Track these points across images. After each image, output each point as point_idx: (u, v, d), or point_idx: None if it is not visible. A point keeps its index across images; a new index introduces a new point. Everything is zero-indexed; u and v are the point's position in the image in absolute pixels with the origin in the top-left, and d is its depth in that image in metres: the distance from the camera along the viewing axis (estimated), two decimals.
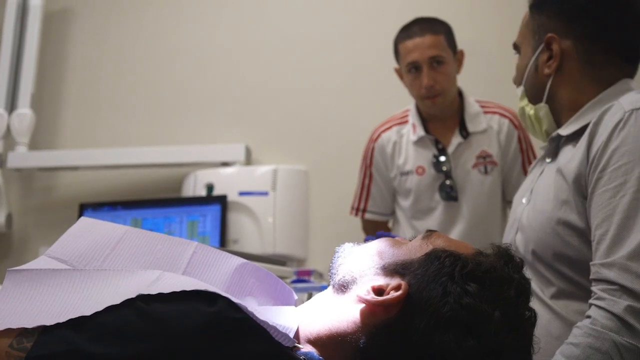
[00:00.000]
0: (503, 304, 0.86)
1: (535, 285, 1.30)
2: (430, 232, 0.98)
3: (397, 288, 0.88)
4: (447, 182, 2.27)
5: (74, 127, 3.23)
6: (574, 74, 1.36)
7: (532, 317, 0.90)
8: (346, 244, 1.02)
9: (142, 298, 0.76)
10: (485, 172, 2.29)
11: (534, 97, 1.43)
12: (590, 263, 1.17)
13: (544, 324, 1.26)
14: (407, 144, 2.37)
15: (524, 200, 1.43)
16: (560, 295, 1.28)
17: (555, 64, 1.37)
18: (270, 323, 0.81)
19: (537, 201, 1.36)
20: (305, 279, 2.45)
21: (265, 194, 2.82)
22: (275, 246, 2.76)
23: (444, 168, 2.27)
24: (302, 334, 0.92)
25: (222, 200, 2.75)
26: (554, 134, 1.40)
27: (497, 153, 2.31)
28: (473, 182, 2.29)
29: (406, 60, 2.27)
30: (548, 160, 1.41)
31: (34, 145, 3.09)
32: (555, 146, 1.40)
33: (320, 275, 2.58)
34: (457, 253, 0.90)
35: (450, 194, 2.26)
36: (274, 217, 2.80)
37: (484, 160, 2.30)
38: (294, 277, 2.49)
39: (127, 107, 3.21)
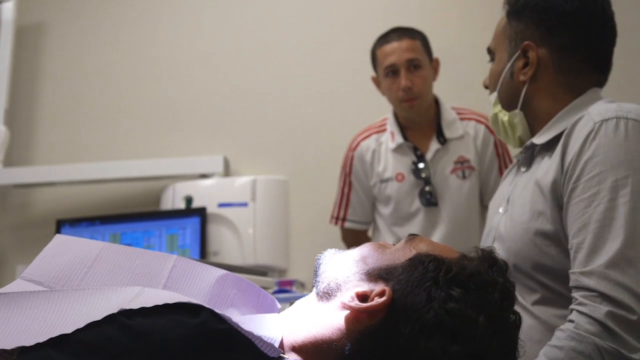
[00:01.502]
0: (488, 308, 0.86)
1: (516, 293, 1.30)
2: (413, 236, 0.97)
3: (381, 294, 0.87)
4: (427, 188, 2.29)
5: (50, 142, 3.19)
6: (548, 82, 1.37)
7: (517, 320, 0.90)
8: (328, 250, 1.02)
9: (124, 313, 0.74)
10: (464, 177, 2.32)
11: (508, 103, 1.44)
12: (570, 271, 1.18)
13: (525, 329, 1.26)
14: (386, 152, 2.38)
15: (500, 210, 1.43)
16: (540, 302, 1.29)
17: (531, 71, 1.38)
18: (255, 334, 0.80)
19: (514, 211, 1.36)
20: (287, 289, 2.44)
21: (244, 204, 2.80)
22: (256, 257, 2.75)
23: (423, 174, 2.29)
24: (286, 342, 0.91)
25: (201, 213, 2.73)
26: (528, 142, 1.40)
27: (474, 158, 2.33)
28: (451, 187, 2.31)
29: (384, 64, 2.29)
30: (523, 169, 1.41)
31: (8, 161, 3.05)
32: (529, 155, 1.41)
33: (302, 285, 2.57)
34: (441, 257, 0.90)
35: (430, 199, 2.28)
36: (254, 227, 2.78)
37: (462, 165, 2.32)
38: (276, 288, 2.47)
39: (104, 121, 3.18)
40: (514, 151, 1.53)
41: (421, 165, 2.30)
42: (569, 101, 1.36)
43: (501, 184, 1.56)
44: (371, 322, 0.86)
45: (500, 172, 2.33)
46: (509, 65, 1.41)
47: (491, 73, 1.49)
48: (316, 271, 0.99)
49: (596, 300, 1.11)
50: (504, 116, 1.45)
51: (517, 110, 1.42)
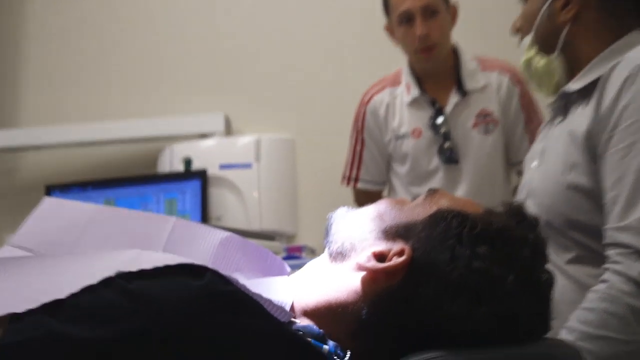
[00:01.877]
0: (517, 266, 0.85)
1: (548, 251, 1.30)
2: (433, 191, 0.96)
3: (400, 253, 0.87)
4: (446, 144, 2.28)
5: (35, 103, 3.19)
6: (592, 23, 1.35)
7: (549, 279, 0.89)
8: (340, 208, 1.01)
9: (122, 276, 0.74)
10: (486, 131, 2.30)
11: (546, 46, 1.42)
12: (604, 227, 1.18)
13: (558, 289, 1.26)
14: (401, 106, 2.37)
15: (534, 163, 1.43)
16: (575, 261, 1.29)
17: (573, 10, 1.36)
18: (264, 296, 0.80)
19: (546, 165, 1.36)
20: (296, 256, 2.45)
21: (248, 166, 2.80)
22: (262, 222, 2.75)
23: (442, 129, 2.28)
24: (297, 307, 0.91)
25: (201, 175, 2.73)
26: (562, 90, 1.39)
27: (498, 111, 2.32)
28: (473, 143, 2.30)
29: (398, 11, 2.26)
30: (558, 119, 1.40)
31: None
32: (564, 104, 1.39)
33: (312, 251, 2.58)
34: (464, 212, 0.89)
35: (450, 156, 2.27)
36: (258, 190, 2.79)
37: (484, 119, 2.31)
38: (284, 254, 2.49)
39: (94, 79, 3.17)
40: (543, 104, 1.51)
41: (440, 119, 2.29)
42: (610, 44, 1.33)
43: (537, 136, 1.54)
44: (389, 284, 0.86)
45: (526, 126, 2.32)
46: (546, 4, 1.39)
47: (525, 14, 1.46)
48: (327, 231, 0.98)
49: (631, 257, 1.11)
50: (540, 61, 1.43)
51: (556, 54, 1.40)
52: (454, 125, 2.30)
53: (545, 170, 1.35)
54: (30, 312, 0.71)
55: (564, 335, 1.16)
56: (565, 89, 1.37)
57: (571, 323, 1.17)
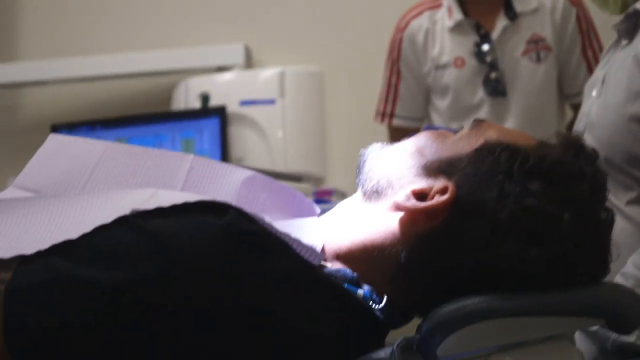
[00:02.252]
0: (574, 203, 0.84)
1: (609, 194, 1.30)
2: (479, 122, 0.95)
3: (442, 191, 0.86)
4: (493, 74, 2.26)
5: (38, 34, 3.19)
6: None
7: (609, 218, 0.88)
8: (373, 144, 1.00)
9: (137, 215, 0.74)
10: (538, 59, 2.28)
11: None
12: None
13: (617, 232, 1.26)
14: (442, 32, 2.35)
15: (594, 93, 1.41)
16: (636, 201, 1.28)
17: None
18: (292, 236, 0.80)
19: (607, 94, 1.34)
20: (326, 200, 2.46)
21: (271, 102, 2.79)
22: (287, 164, 2.75)
23: (488, 58, 2.26)
24: (329, 250, 0.91)
25: (220, 113, 2.73)
26: (631, 8, 1.36)
27: (552, 36, 2.29)
28: (523, 73, 2.27)
29: None
30: (624, 43, 1.37)
31: None
32: (633, 25, 1.36)
33: (343, 195, 2.58)
34: (514, 145, 0.88)
35: (496, 88, 2.26)
36: (283, 129, 2.78)
37: (536, 45, 2.28)
38: (313, 198, 2.49)
39: (102, 6, 3.15)
40: (612, 22, 1.47)
41: (485, 46, 2.26)
42: None
43: (600, 62, 1.51)
44: (431, 224, 0.86)
45: (584, 53, 2.29)
46: None
47: None
48: (360, 168, 0.98)
49: None
50: None
51: None
52: (501, 53, 2.27)
53: (606, 100, 1.33)
54: (39, 254, 0.72)
55: (619, 280, 1.16)
56: (637, 6, 1.34)
57: (627, 268, 1.17)
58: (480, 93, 2.29)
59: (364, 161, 0.98)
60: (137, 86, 3.07)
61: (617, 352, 1.10)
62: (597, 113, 1.35)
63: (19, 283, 0.70)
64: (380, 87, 2.49)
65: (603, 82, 1.38)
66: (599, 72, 1.46)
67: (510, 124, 2.25)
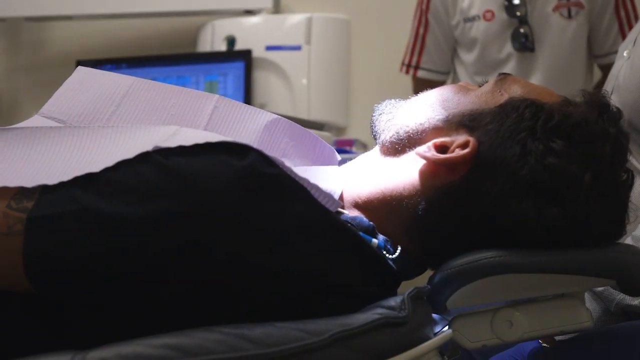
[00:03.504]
0: (595, 164, 0.84)
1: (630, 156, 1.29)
2: (504, 76, 0.94)
3: (464, 145, 0.86)
4: (522, 29, 2.22)
5: None
6: None
7: (629, 179, 0.88)
8: (388, 100, 0.99)
9: (159, 152, 0.75)
10: (569, 16, 2.25)
11: None
12: None
13: (637, 195, 1.26)
14: None
15: (625, 54, 1.39)
16: None
17: None
18: (311, 181, 0.80)
19: (636, 56, 1.31)
20: (347, 150, 2.46)
21: (297, 48, 2.78)
22: (310, 112, 2.75)
23: (518, 12, 2.22)
24: (347, 198, 0.92)
25: (245, 56, 2.73)
26: None
27: None
28: (553, 29, 2.24)
29: None
30: None
31: None
32: None
33: (364, 146, 2.58)
34: (539, 102, 0.87)
35: (525, 43, 2.23)
36: (308, 76, 2.77)
37: (568, 1, 2.24)
38: (334, 147, 2.49)
39: None
40: None
41: (516, 0, 2.22)
42: None
43: (636, 25, 1.49)
44: (451, 178, 0.86)
45: (617, 12, 2.25)
46: None
47: None
48: (375, 122, 0.97)
49: None
50: None
51: None
52: (532, 7, 2.24)
53: (634, 62, 1.30)
54: (62, 185, 0.73)
55: (629, 242, 1.16)
56: None
57: (638, 232, 1.16)
58: (508, 48, 2.26)
59: (380, 114, 0.97)
60: (163, 26, 3.06)
61: (620, 314, 1.10)
62: (625, 74, 1.33)
63: (40, 212, 0.70)
64: (408, 38, 2.47)
65: (635, 43, 1.36)
66: (633, 33, 1.43)
67: (536, 80, 2.22)
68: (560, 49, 2.24)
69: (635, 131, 1.28)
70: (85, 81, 0.98)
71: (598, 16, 2.27)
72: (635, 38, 1.37)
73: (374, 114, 0.98)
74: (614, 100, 1.34)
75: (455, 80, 2.42)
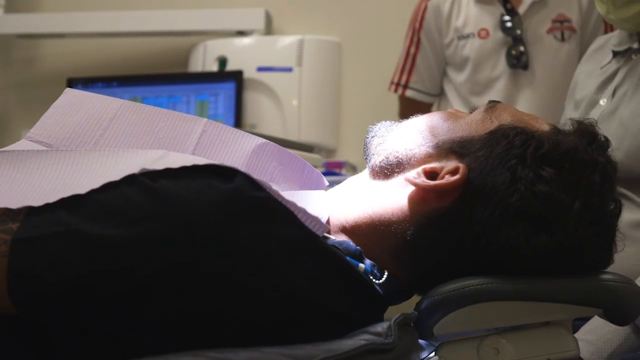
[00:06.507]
0: (585, 192, 0.84)
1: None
2: (494, 104, 0.95)
3: (454, 171, 0.86)
4: (517, 46, 2.23)
5: None
6: None
7: (617, 208, 0.88)
8: (382, 122, 1.00)
9: (146, 175, 0.74)
10: (562, 39, 2.26)
11: None
12: None
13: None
14: (467, 3, 2.33)
15: (602, 102, 1.47)
16: None
17: None
18: (299, 205, 0.80)
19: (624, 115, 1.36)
20: (336, 172, 2.46)
21: (288, 70, 2.78)
22: (300, 133, 2.75)
23: (513, 31, 2.23)
24: (334, 222, 0.92)
25: (237, 77, 2.73)
26: None
27: (577, 19, 2.27)
28: (546, 50, 2.25)
29: None
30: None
31: (11, 6, 3.05)
32: None
33: (353, 168, 2.59)
34: (529, 130, 0.88)
35: (520, 60, 2.23)
36: (299, 98, 2.78)
37: (561, 25, 2.26)
38: (323, 170, 2.50)
39: None
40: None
41: (511, 20, 2.24)
42: None
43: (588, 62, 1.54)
44: (440, 205, 0.86)
45: None
46: None
47: None
48: (367, 144, 0.98)
49: None
50: None
51: None
52: (526, 27, 2.25)
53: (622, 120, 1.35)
54: (47, 207, 0.72)
55: None
56: None
57: None
58: (501, 66, 2.27)
59: (372, 137, 0.98)
60: (155, 45, 3.06)
61: None
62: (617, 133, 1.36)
63: (25, 234, 0.70)
64: (399, 57, 2.47)
65: (614, 93, 1.42)
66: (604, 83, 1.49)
67: (527, 97, 2.25)
68: (552, 69, 2.25)
69: None
70: (73, 104, 0.98)
71: (590, 40, 2.26)
72: (615, 88, 1.42)
73: (367, 136, 0.99)
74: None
75: (444, 101, 2.41)
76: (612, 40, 1.55)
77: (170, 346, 0.70)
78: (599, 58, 1.59)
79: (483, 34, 2.28)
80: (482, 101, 2.18)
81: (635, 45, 1.44)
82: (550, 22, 2.26)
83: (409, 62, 2.43)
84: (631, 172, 1.32)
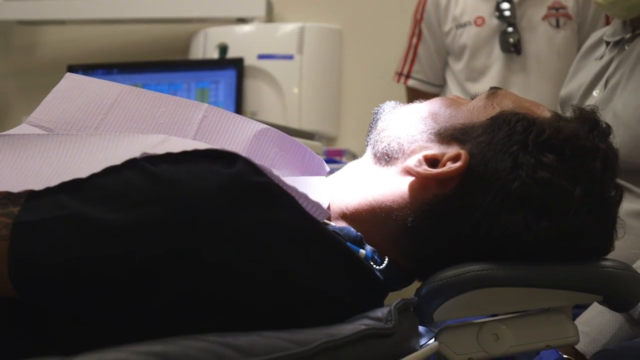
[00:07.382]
0: (586, 179, 0.84)
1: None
2: (495, 90, 0.94)
3: (455, 158, 0.86)
4: (510, 30, 2.24)
5: None
6: None
7: (618, 195, 0.88)
8: (387, 102, 1.00)
9: (147, 159, 0.74)
10: (557, 25, 2.27)
11: None
12: None
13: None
14: None
15: (595, 93, 1.46)
16: None
17: None
18: (299, 190, 0.80)
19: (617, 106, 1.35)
20: (336, 160, 2.46)
21: (289, 57, 2.78)
22: (301, 121, 2.75)
23: (507, 15, 2.25)
24: (335, 209, 0.92)
25: (237, 64, 2.73)
26: None
27: (573, 7, 2.29)
28: (541, 36, 2.27)
29: None
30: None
31: None
32: None
33: (354, 156, 2.58)
34: (531, 117, 0.87)
35: (513, 44, 2.24)
36: (299, 86, 2.77)
37: (557, 12, 2.28)
38: (324, 157, 2.49)
39: None
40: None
41: (506, 5, 2.25)
42: None
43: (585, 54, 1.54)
44: (441, 192, 0.86)
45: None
46: None
47: None
48: (372, 126, 0.98)
49: None
50: None
51: None
52: (521, 14, 2.27)
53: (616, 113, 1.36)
54: (48, 191, 0.72)
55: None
56: None
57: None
58: (496, 53, 2.29)
59: (377, 119, 0.98)
60: (155, 32, 3.06)
61: None
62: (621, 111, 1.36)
63: (26, 218, 0.70)
64: (404, 48, 2.50)
65: (606, 83, 1.42)
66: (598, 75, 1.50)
67: (520, 80, 2.27)
68: (547, 55, 2.27)
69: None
70: (74, 88, 0.98)
71: (590, 30, 2.27)
72: (607, 79, 1.42)
73: (373, 119, 0.98)
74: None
75: (446, 91, 2.43)
76: (607, 32, 1.56)
77: (170, 331, 0.70)
78: (594, 51, 1.59)
79: (479, 21, 2.31)
80: (477, 87, 2.22)
81: (628, 35, 1.44)
82: (545, 9, 2.28)
83: (411, 52, 2.47)
84: (625, 162, 1.32)
